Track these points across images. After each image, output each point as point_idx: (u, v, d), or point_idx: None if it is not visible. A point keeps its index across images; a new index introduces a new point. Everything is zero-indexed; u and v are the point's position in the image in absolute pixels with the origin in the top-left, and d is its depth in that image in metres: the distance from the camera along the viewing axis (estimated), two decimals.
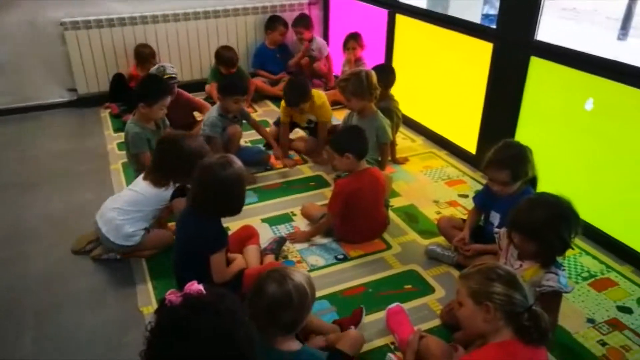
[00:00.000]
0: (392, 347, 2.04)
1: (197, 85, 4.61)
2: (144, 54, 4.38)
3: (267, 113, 4.42)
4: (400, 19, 3.97)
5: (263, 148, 3.63)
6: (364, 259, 2.58)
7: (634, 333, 2.11)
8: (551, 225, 1.81)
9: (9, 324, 2.21)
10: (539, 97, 2.89)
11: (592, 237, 2.64)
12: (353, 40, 4.28)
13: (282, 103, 3.50)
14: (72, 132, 4.15)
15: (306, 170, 3.46)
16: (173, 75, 3.59)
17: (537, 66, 2.85)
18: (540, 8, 2.79)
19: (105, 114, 4.39)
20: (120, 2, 4.42)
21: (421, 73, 3.86)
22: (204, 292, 1.22)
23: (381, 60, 4.17)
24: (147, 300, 2.31)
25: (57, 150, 3.81)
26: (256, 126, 3.55)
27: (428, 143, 3.82)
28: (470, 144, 3.46)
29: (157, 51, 4.52)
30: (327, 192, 3.11)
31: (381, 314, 2.15)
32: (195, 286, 1.23)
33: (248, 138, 3.80)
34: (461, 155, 3.56)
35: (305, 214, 2.89)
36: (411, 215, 2.94)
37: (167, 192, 2.51)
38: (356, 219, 2.63)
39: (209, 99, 4.39)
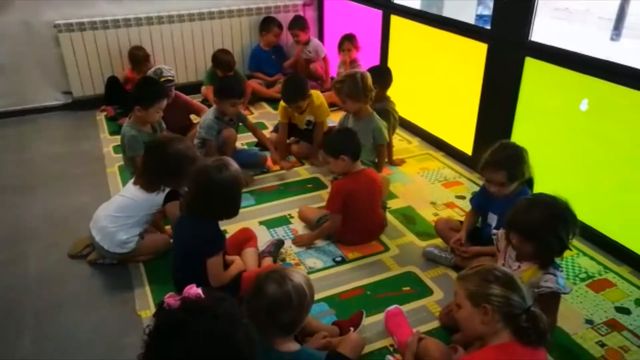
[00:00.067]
0: (391, 349, 2.04)
1: (192, 88, 4.59)
2: (138, 57, 4.37)
3: (263, 115, 4.41)
4: (394, 19, 3.97)
5: (257, 149, 3.61)
6: (362, 261, 2.57)
7: (632, 334, 2.11)
8: (549, 226, 1.81)
9: (9, 324, 2.21)
10: (534, 98, 2.90)
11: (589, 238, 2.65)
12: (348, 41, 4.28)
13: (281, 104, 3.49)
14: (68, 135, 4.14)
15: (303, 173, 3.46)
16: (170, 78, 3.58)
17: (532, 67, 2.86)
18: (534, 9, 2.80)
19: (100, 116, 4.38)
20: (114, 4, 4.41)
21: (416, 74, 3.87)
22: (203, 295, 1.22)
23: (376, 61, 4.18)
24: (145, 304, 2.30)
25: (53, 153, 3.79)
26: (252, 129, 3.54)
27: (424, 144, 3.82)
28: (466, 146, 3.47)
29: (152, 53, 4.51)
30: (325, 194, 3.10)
31: (380, 316, 2.15)
32: (194, 290, 1.23)
33: (244, 140, 3.79)
34: (457, 156, 3.57)
35: (302, 217, 2.88)
36: (408, 217, 2.94)
37: (159, 197, 2.49)
38: (353, 220, 2.63)
39: (205, 101, 4.38)
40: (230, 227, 2.67)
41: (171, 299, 1.19)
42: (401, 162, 3.55)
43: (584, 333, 2.12)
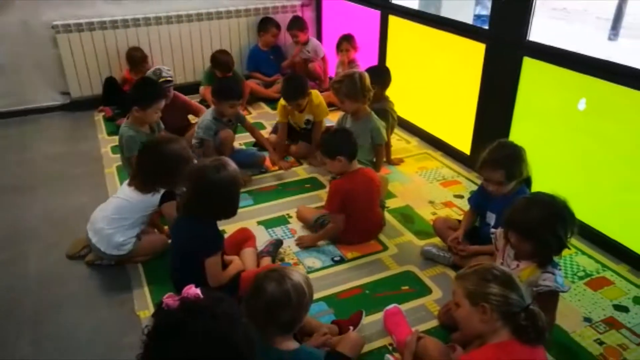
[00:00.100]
0: (390, 348, 2.04)
1: (190, 88, 4.59)
2: (136, 58, 4.37)
3: (262, 115, 4.41)
4: (393, 20, 3.97)
5: (255, 149, 3.61)
6: (361, 261, 2.58)
7: (630, 332, 2.12)
8: (547, 225, 1.81)
9: (9, 324, 2.22)
10: (532, 98, 2.91)
11: (587, 236, 2.65)
12: (346, 42, 4.29)
13: (280, 103, 3.50)
14: (66, 136, 4.14)
15: (301, 172, 3.46)
16: (169, 79, 3.57)
17: (530, 66, 2.86)
18: (532, 8, 2.80)
19: (98, 117, 4.38)
20: (112, 5, 4.40)
21: (415, 74, 3.87)
22: (202, 296, 1.22)
23: (374, 61, 4.18)
24: (143, 304, 2.30)
25: (52, 153, 3.79)
26: (251, 129, 3.54)
27: (423, 144, 3.82)
28: (464, 145, 3.48)
29: (150, 54, 4.51)
30: (323, 193, 3.11)
31: (379, 316, 2.15)
32: (192, 290, 1.23)
33: (242, 140, 3.79)
34: (456, 156, 3.57)
35: (300, 217, 2.88)
36: (407, 216, 2.94)
37: (154, 198, 2.47)
38: (351, 220, 2.63)
39: (203, 101, 4.38)
40: (228, 227, 2.67)
41: (170, 299, 1.20)
42: (399, 161, 3.55)
43: (582, 331, 2.12)
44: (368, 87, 3.10)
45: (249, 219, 2.88)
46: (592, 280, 2.42)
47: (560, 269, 1.90)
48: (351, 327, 2.03)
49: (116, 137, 3.19)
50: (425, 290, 2.37)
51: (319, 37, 5.17)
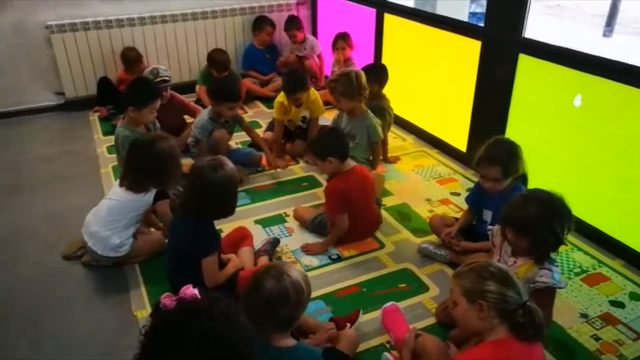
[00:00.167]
0: (388, 346, 2.04)
1: (185, 87, 4.57)
2: (131, 58, 4.35)
3: (257, 114, 4.40)
4: (388, 18, 3.97)
5: (250, 149, 3.60)
6: (358, 259, 2.58)
7: (626, 327, 2.13)
8: (544, 221, 1.82)
9: (8, 324, 2.22)
10: (528, 95, 2.91)
11: (583, 232, 2.66)
12: (342, 40, 4.28)
13: (276, 100, 3.49)
14: (61, 136, 4.13)
15: (298, 171, 3.45)
16: (166, 78, 3.56)
17: (526, 63, 2.86)
18: (527, 5, 2.81)
19: (94, 117, 4.36)
20: (106, 4, 4.39)
21: (410, 72, 3.87)
22: (199, 296, 1.22)
23: (370, 60, 4.18)
24: (141, 304, 2.30)
25: (47, 153, 3.78)
26: (248, 130, 3.53)
27: (419, 142, 3.83)
28: (460, 142, 3.48)
29: (145, 53, 4.49)
30: (320, 192, 3.10)
31: (376, 313, 2.15)
32: (190, 290, 1.23)
33: (238, 139, 3.78)
34: (452, 153, 3.58)
35: (297, 217, 2.88)
36: (404, 214, 2.94)
37: (147, 197, 2.46)
38: (348, 218, 2.62)
39: (199, 100, 4.37)
40: (225, 226, 2.67)
41: (167, 299, 1.19)
42: (396, 159, 3.55)
43: (579, 327, 2.13)
44: (364, 86, 3.10)
45: (246, 218, 2.87)
46: (589, 277, 2.43)
47: (557, 266, 1.91)
48: (348, 324, 2.03)
49: (112, 137, 3.18)
50: (422, 288, 2.37)
51: (314, 35, 5.16)
